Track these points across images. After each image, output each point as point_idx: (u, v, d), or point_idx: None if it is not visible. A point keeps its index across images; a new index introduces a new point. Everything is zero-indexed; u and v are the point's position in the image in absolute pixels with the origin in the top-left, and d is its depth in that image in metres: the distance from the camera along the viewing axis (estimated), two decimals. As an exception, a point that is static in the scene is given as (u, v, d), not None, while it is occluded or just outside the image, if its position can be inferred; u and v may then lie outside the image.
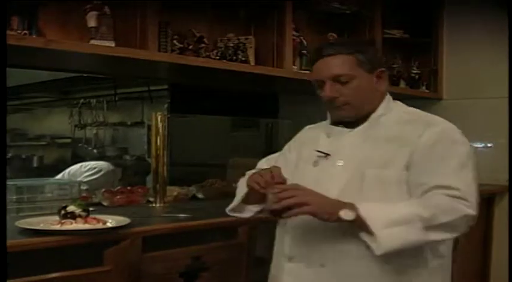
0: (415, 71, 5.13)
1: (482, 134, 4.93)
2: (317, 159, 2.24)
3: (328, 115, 2.34)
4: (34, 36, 2.78)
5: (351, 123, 2.24)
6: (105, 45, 2.97)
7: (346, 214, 1.95)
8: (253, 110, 5.16)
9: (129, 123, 6.66)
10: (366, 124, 2.22)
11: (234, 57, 3.58)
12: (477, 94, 4.96)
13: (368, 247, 1.99)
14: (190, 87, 4.63)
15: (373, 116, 2.22)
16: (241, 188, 2.35)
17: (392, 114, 2.24)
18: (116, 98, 6.32)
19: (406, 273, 2.10)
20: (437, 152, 2.08)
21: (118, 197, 3.35)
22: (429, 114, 2.27)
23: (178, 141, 4.52)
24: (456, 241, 2.34)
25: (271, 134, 5.33)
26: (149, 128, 3.65)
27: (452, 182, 2.01)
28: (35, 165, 7.35)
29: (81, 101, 6.87)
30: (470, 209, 2.00)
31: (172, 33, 3.32)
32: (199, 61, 3.40)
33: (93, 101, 6.76)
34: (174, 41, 3.34)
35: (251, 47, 3.69)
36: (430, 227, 1.96)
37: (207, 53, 3.49)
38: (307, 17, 4.32)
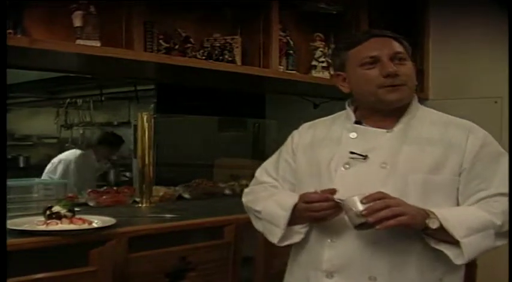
0: (401, 71, 5.14)
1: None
2: (349, 161, 2.03)
3: (350, 112, 2.15)
4: (19, 36, 2.77)
5: (376, 122, 2.09)
6: (91, 45, 2.96)
7: (432, 222, 1.86)
8: (240, 110, 5.16)
9: (115, 123, 6.67)
10: (402, 124, 2.06)
11: (221, 57, 3.58)
12: (463, 94, 4.97)
13: (423, 258, 1.95)
14: (176, 87, 4.63)
15: (406, 116, 2.08)
16: (276, 212, 2.06)
17: (422, 115, 2.11)
18: (102, 98, 6.33)
19: (446, 279, 2.03)
20: (488, 158, 2.02)
21: (104, 197, 3.34)
22: (457, 117, 2.16)
23: (164, 141, 4.51)
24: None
25: (257, 134, 5.33)
26: (135, 128, 3.63)
27: (507, 190, 1.98)
28: (21, 165, 7.35)
29: (68, 101, 6.88)
30: None
31: (158, 33, 3.32)
32: (185, 61, 3.40)
33: (80, 101, 6.77)
34: (160, 41, 3.33)
35: (237, 47, 3.69)
36: (499, 233, 1.93)
37: (194, 53, 3.49)
38: (294, 17, 4.33)
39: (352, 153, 2.04)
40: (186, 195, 3.76)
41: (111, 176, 6.50)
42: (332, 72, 4.25)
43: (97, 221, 2.48)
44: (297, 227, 2.07)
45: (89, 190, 3.45)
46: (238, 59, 3.66)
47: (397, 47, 2.07)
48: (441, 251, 1.90)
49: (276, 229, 2.07)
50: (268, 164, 2.31)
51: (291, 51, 4.03)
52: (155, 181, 3.64)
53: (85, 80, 5.68)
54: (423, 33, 5.15)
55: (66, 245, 2.30)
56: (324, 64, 4.27)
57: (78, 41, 2.96)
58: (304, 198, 1.98)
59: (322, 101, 4.83)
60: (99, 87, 6.19)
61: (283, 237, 2.07)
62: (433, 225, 1.86)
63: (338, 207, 1.91)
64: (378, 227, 1.83)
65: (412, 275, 1.97)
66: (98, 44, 2.99)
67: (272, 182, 2.25)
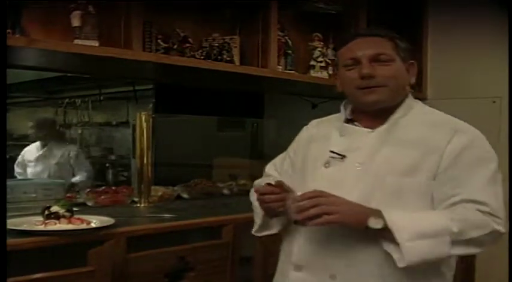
0: (399, 71, 5.14)
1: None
2: (329, 160, 2.06)
3: (343, 111, 2.17)
4: (18, 36, 2.76)
5: (366, 122, 2.10)
6: (89, 44, 2.96)
7: (374, 222, 1.84)
8: (239, 110, 5.16)
9: (114, 123, 6.66)
10: (386, 125, 2.05)
11: (219, 57, 3.58)
12: (462, 94, 4.97)
13: (384, 260, 1.90)
14: (175, 87, 4.62)
15: (394, 116, 2.06)
16: (256, 205, 2.15)
17: (414, 115, 2.09)
18: (101, 98, 6.32)
19: None
20: (467, 162, 1.95)
21: (102, 197, 3.34)
22: (454, 118, 2.11)
23: (163, 141, 4.51)
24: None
25: (256, 134, 5.33)
26: (134, 127, 3.63)
27: (483, 197, 1.90)
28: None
29: (66, 100, 6.87)
30: (500, 226, 1.90)
31: (157, 32, 3.32)
32: (184, 61, 3.39)
33: (78, 100, 6.76)
34: (159, 41, 3.33)
35: (236, 47, 3.68)
36: (457, 241, 1.85)
37: (192, 53, 3.49)
38: (293, 17, 4.33)
39: (332, 152, 2.06)
40: (185, 195, 3.76)
41: (110, 176, 6.49)
42: (330, 72, 4.30)
43: (95, 221, 2.48)
44: (275, 219, 2.14)
45: (88, 190, 3.45)
46: (236, 59, 3.66)
47: (381, 47, 2.06)
48: None
49: (256, 220, 2.19)
50: (278, 158, 2.38)
51: (290, 51, 4.03)
52: (154, 181, 3.64)
53: (84, 80, 5.68)
54: (422, 33, 5.16)
55: (65, 245, 2.30)
56: (323, 64, 4.27)
57: (77, 41, 2.96)
58: (259, 191, 2.04)
59: (320, 100, 4.83)
60: (98, 87, 6.18)
61: (261, 228, 2.19)
62: (375, 225, 1.84)
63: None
64: (308, 224, 1.85)
65: (370, 276, 1.95)
66: (97, 43, 2.99)
67: (276, 175, 2.29)
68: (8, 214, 2.72)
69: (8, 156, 7.45)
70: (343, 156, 2.05)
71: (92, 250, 2.14)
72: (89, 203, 3.29)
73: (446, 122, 2.06)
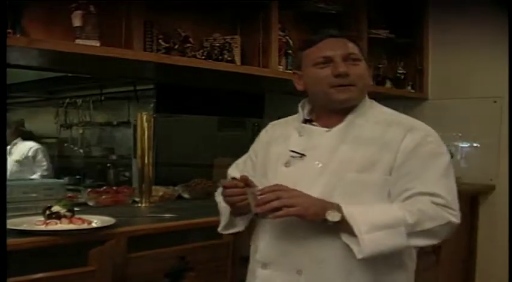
0: (400, 71, 5.15)
1: (467, 134, 4.97)
2: (290, 160, 2.13)
3: (301, 111, 2.24)
4: (18, 36, 2.76)
5: (325, 121, 2.16)
6: (90, 44, 2.96)
7: (331, 215, 1.89)
8: (239, 110, 5.16)
9: (115, 123, 6.65)
10: (343, 124, 2.11)
11: (220, 57, 3.58)
12: (462, 94, 4.98)
13: (348, 254, 1.95)
14: (176, 87, 4.63)
15: (351, 115, 2.12)
16: (222, 204, 2.22)
17: (371, 114, 2.15)
18: (102, 98, 6.32)
19: (387, 279, 2.06)
20: (421, 157, 2.03)
21: (104, 197, 3.34)
22: (409, 117, 2.18)
23: (164, 141, 4.51)
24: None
25: (257, 134, 5.31)
26: (135, 127, 3.63)
27: (437, 190, 1.98)
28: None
29: (67, 100, 6.86)
30: (454, 217, 1.98)
31: (158, 32, 3.32)
32: (185, 61, 3.40)
33: (79, 100, 6.75)
34: (160, 41, 3.33)
35: (237, 47, 3.69)
36: (413, 233, 1.92)
37: (193, 53, 3.49)
38: (293, 17, 4.33)
39: (292, 151, 2.13)
40: (186, 195, 3.76)
41: (111, 176, 6.49)
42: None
43: (96, 221, 2.47)
44: (240, 217, 2.22)
45: (89, 190, 3.45)
46: (237, 58, 3.67)
47: (351, 48, 2.13)
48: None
49: (221, 218, 2.26)
50: (240, 159, 2.46)
51: (290, 51, 4.03)
52: (155, 181, 3.63)
53: (85, 80, 5.68)
54: (422, 33, 5.16)
55: (66, 245, 2.30)
56: (323, 64, 4.27)
57: (78, 41, 2.96)
58: (221, 185, 2.13)
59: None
60: (99, 87, 6.18)
61: (227, 226, 2.25)
62: (332, 218, 1.90)
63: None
64: (269, 216, 1.91)
65: (337, 270, 2.01)
66: (98, 43, 2.99)
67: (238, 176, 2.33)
68: (9, 214, 2.73)
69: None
70: (302, 155, 2.11)
71: (93, 250, 2.14)
72: (90, 203, 3.29)
73: (400, 121, 2.13)
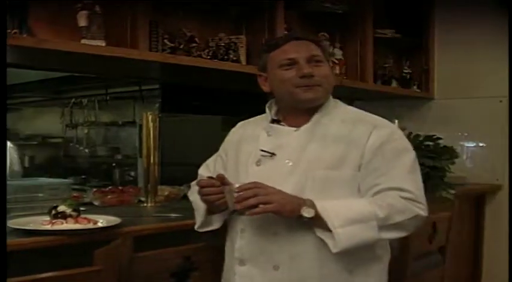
0: (406, 71, 5.15)
1: (473, 133, 4.96)
2: (260, 158, 2.21)
3: (268, 112, 2.33)
4: (24, 36, 2.77)
5: (292, 121, 2.24)
6: (96, 44, 2.97)
7: (306, 211, 1.98)
8: (245, 110, 5.14)
9: (120, 122, 6.65)
10: (310, 123, 2.20)
11: (226, 57, 3.59)
12: (468, 94, 4.97)
13: (322, 248, 2.03)
14: (181, 86, 4.62)
15: (317, 115, 2.21)
16: (198, 203, 2.31)
17: (335, 113, 2.23)
18: (107, 98, 6.32)
19: (361, 271, 2.14)
20: (387, 153, 2.11)
21: (109, 196, 3.34)
22: (373, 115, 2.26)
23: (169, 141, 4.51)
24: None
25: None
26: (140, 127, 3.63)
27: (404, 185, 2.07)
28: (26, 164, 7.34)
29: (73, 100, 6.86)
30: (422, 210, 2.09)
31: (163, 32, 3.32)
32: (190, 61, 3.40)
33: (85, 100, 6.76)
34: (165, 41, 3.34)
35: (242, 47, 3.69)
36: (384, 226, 2.02)
37: (198, 53, 3.49)
38: (299, 17, 4.33)
39: (262, 151, 2.20)
40: (191, 195, 3.76)
41: (116, 176, 6.49)
42: (337, 72, 4.29)
43: (102, 221, 2.47)
44: (216, 215, 2.30)
45: (94, 189, 3.45)
46: (243, 58, 3.67)
47: (314, 49, 2.21)
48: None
49: (197, 217, 2.35)
50: (209, 160, 2.56)
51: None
52: (160, 181, 3.63)
53: (90, 80, 5.67)
54: (428, 33, 5.16)
55: (71, 245, 2.30)
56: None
57: (83, 41, 2.96)
58: (200, 183, 2.18)
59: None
60: (104, 87, 6.18)
61: (203, 224, 2.33)
62: (307, 214, 1.99)
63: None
64: (247, 213, 2.00)
65: (311, 264, 2.08)
66: (103, 43, 2.99)
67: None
68: (15, 214, 2.74)
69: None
70: (272, 154, 2.19)
71: (98, 250, 2.13)
72: (96, 203, 3.29)
73: (365, 119, 2.22)
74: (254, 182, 2.04)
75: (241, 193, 2.00)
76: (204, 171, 2.52)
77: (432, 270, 3.26)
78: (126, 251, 2.27)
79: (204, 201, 2.20)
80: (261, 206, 1.97)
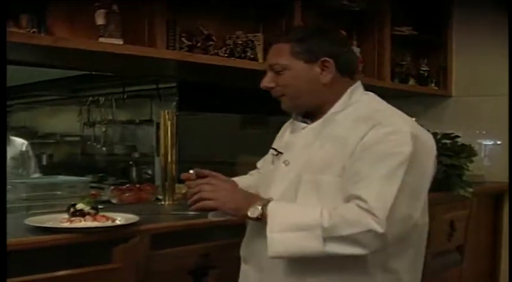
0: (424, 68, 5.11)
1: (491, 131, 4.93)
2: (273, 158, 2.17)
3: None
4: (43, 35, 2.78)
5: (312, 119, 2.11)
6: (114, 43, 2.97)
7: (251, 211, 1.91)
8: (262, 108, 5.14)
9: (137, 121, 6.69)
10: (319, 121, 2.06)
11: (243, 55, 3.58)
12: (486, 91, 4.94)
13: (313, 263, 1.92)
14: (198, 84, 4.63)
15: (329, 112, 2.05)
16: None
17: (352, 110, 2.04)
18: (125, 96, 6.35)
19: None
20: (371, 157, 1.88)
21: (127, 194, 3.35)
22: (390, 113, 2.05)
23: (186, 139, 4.52)
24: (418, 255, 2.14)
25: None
26: (158, 125, 3.64)
27: (365, 194, 1.82)
28: (44, 163, 7.39)
29: (90, 99, 6.91)
30: (377, 224, 1.79)
31: (181, 30, 3.33)
32: (207, 59, 3.40)
33: (102, 99, 6.80)
34: (183, 39, 3.34)
35: (260, 45, 3.68)
36: (329, 238, 1.82)
37: (216, 51, 3.49)
38: (316, 15, 4.31)
39: (273, 149, 2.17)
40: (209, 193, 3.76)
41: (133, 174, 6.52)
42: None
43: (120, 219, 2.48)
44: None
45: (112, 187, 3.46)
46: (260, 56, 3.66)
47: (276, 56, 2.09)
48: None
49: None
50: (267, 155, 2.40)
51: (313, 49, 4.01)
52: (177, 179, 3.64)
53: (107, 78, 5.71)
54: (446, 30, 5.13)
55: (90, 242, 2.31)
56: (347, 61, 4.26)
57: (101, 39, 2.97)
58: (181, 177, 2.15)
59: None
60: (122, 85, 6.21)
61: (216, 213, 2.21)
62: (250, 214, 1.91)
63: None
64: (190, 208, 1.99)
65: (293, 272, 1.99)
66: (121, 42, 3.00)
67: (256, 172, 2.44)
68: (34, 211, 2.76)
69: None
70: (279, 153, 2.14)
71: (117, 247, 2.15)
72: (113, 201, 3.30)
73: (374, 116, 1.98)
74: (208, 178, 2.03)
75: (191, 189, 2.00)
76: (259, 163, 2.46)
77: (450, 268, 3.24)
78: (144, 249, 2.28)
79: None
80: (201, 202, 1.95)
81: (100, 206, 2.62)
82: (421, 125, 3.76)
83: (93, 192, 3.37)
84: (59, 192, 3.14)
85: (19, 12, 2.70)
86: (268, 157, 2.29)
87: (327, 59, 2.04)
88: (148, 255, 2.28)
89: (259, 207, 1.90)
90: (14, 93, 7.13)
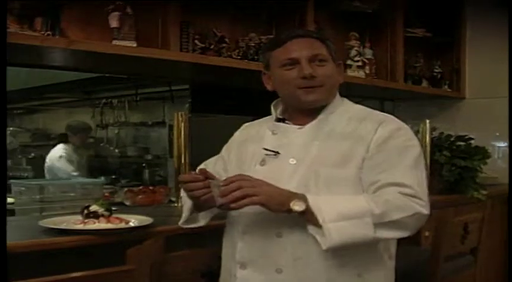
0: (437, 70, 5.11)
1: (504, 133, 4.90)
2: (265, 158, 2.14)
3: (273, 111, 2.28)
4: (57, 37, 2.80)
5: (298, 120, 2.18)
6: (127, 45, 2.99)
7: (296, 204, 1.90)
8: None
9: (150, 123, 6.70)
10: (316, 121, 2.13)
11: (256, 57, 3.58)
12: (500, 93, 4.92)
13: (328, 250, 1.92)
14: (211, 86, 4.63)
15: (323, 113, 2.14)
16: (184, 198, 2.24)
17: (343, 111, 2.17)
18: (138, 98, 6.36)
19: (365, 275, 2.04)
20: (391, 149, 2.03)
21: (140, 196, 3.36)
22: (382, 113, 2.20)
23: (199, 141, 4.52)
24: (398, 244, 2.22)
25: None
26: (170, 127, 3.64)
27: (405, 180, 1.96)
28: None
29: (103, 101, 6.92)
30: (423, 207, 1.95)
31: (194, 33, 3.34)
32: (220, 61, 3.41)
33: (115, 101, 6.81)
34: (196, 41, 3.35)
35: (272, 47, 3.68)
36: (380, 223, 1.90)
37: (229, 53, 3.50)
38: (329, 17, 4.32)
39: (265, 150, 2.13)
40: (221, 195, 3.76)
41: (146, 176, 6.53)
42: (367, 72, 4.28)
43: (134, 220, 2.49)
44: (203, 213, 2.25)
45: (126, 189, 3.47)
46: (273, 58, 3.66)
47: (318, 48, 2.13)
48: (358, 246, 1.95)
49: (184, 212, 2.26)
50: (210, 160, 2.48)
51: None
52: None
53: (120, 80, 5.71)
54: (460, 32, 5.12)
55: (104, 244, 2.32)
56: (359, 63, 4.27)
57: (115, 42, 2.99)
58: (180, 179, 2.13)
59: (357, 100, 4.80)
60: (134, 87, 6.22)
61: (188, 220, 2.26)
62: (297, 207, 1.90)
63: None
64: (232, 205, 1.90)
65: (317, 267, 2.00)
66: (134, 44, 3.01)
67: None
68: (48, 213, 2.77)
69: (46, 156, 7.54)
70: (276, 153, 2.12)
71: (131, 249, 2.15)
72: (127, 203, 3.31)
73: (373, 115, 2.14)
74: (240, 175, 1.98)
75: (226, 186, 1.92)
76: (209, 167, 2.37)
77: (464, 271, 3.23)
78: (157, 251, 2.28)
79: (191, 197, 2.13)
80: (247, 198, 1.90)
81: (113, 208, 2.62)
82: (434, 127, 3.78)
83: (106, 194, 3.39)
84: (72, 194, 3.16)
85: (34, 15, 2.71)
86: (218, 163, 2.37)
87: (341, 62, 2.22)
88: (162, 257, 2.28)
89: (303, 201, 1.90)
90: (27, 96, 7.16)
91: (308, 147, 2.09)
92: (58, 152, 6.35)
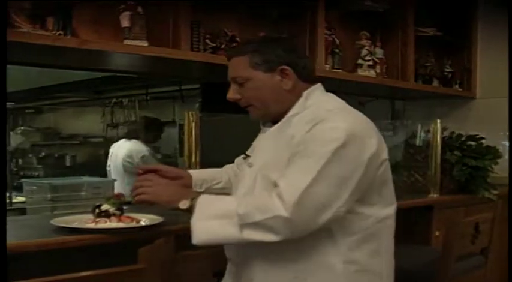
0: (448, 70, 5.09)
1: (516, 132, 4.89)
2: (242, 161, 2.32)
3: None
4: (68, 37, 2.80)
5: (272, 123, 2.19)
6: (139, 45, 2.99)
7: (182, 203, 2.05)
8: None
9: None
10: (278, 125, 2.14)
11: (266, 57, 3.58)
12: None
13: (270, 253, 2.02)
14: (222, 86, 4.63)
15: (286, 116, 2.12)
16: None
17: (308, 113, 2.08)
18: (148, 97, 6.38)
19: (308, 279, 2.02)
20: (307, 147, 1.94)
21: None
22: (337, 112, 2.06)
23: (209, 141, 4.53)
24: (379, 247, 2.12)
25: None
26: (181, 127, 3.64)
27: (281, 180, 1.92)
28: (67, 164, 7.44)
29: (114, 100, 6.95)
30: (284, 209, 1.85)
31: (205, 32, 3.34)
32: (231, 60, 3.40)
33: (125, 100, 6.84)
34: (207, 41, 3.35)
35: (283, 46, 3.68)
36: (245, 224, 1.90)
37: (239, 52, 3.50)
38: (340, 16, 4.31)
39: (244, 153, 2.28)
40: (232, 194, 3.76)
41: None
42: (378, 71, 4.28)
43: (145, 219, 2.49)
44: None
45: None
46: (283, 58, 3.66)
47: (236, 69, 2.19)
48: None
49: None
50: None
51: (337, 50, 4.02)
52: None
53: (131, 80, 5.73)
54: (471, 31, 5.10)
55: (115, 243, 2.32)
56: (370, 62, 4.26)
57: (126, 41, 2.99)
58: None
59: (367, 99, 4.80)
60: (145, 86, 6.24)
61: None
62: (182, 206, 2.05)
63: None
64: (133, 201, 2.21)
65: (259, 267, 2.09)
66: (146, 44, 3.02)
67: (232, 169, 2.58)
68: (59, 212, 2.78)
69: (56, 155, 7.58)
70: (246, 156, 2.28)
71: (142, 248, 2.15)
72: (133, 201, 3.31)
73: (322, 116, 2.00)
74: (150, 174, 2.26)
75: (135, 183, 2.20)
76: (238, 160, 2.55)
77: (474, 271, 3.22)
78: (168, 250, 2.28)
79: None
80: (142, 195, 2.15)
81: (125, 207, 2.62)
82: (445, 127, 3.75)
83: (116, 193, 3.39)
84: (83, 193, 3.17)
85: (45, 15, 2.72)
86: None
87: (285, 66, 2.12)
88: (173, 256, 2.28)
89: (189, 200, 2.02)
90: (38, 95, 7.19)
91: (263, 152, 2.15)
92: (141, 151, 5.84)
